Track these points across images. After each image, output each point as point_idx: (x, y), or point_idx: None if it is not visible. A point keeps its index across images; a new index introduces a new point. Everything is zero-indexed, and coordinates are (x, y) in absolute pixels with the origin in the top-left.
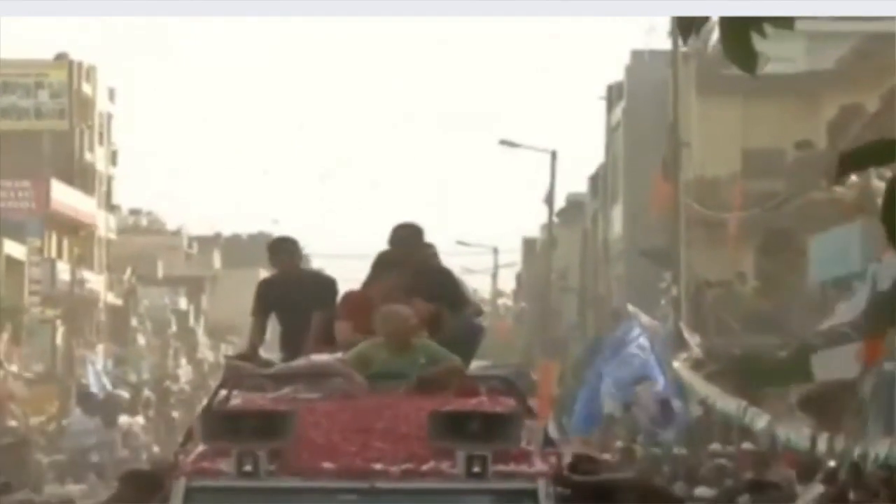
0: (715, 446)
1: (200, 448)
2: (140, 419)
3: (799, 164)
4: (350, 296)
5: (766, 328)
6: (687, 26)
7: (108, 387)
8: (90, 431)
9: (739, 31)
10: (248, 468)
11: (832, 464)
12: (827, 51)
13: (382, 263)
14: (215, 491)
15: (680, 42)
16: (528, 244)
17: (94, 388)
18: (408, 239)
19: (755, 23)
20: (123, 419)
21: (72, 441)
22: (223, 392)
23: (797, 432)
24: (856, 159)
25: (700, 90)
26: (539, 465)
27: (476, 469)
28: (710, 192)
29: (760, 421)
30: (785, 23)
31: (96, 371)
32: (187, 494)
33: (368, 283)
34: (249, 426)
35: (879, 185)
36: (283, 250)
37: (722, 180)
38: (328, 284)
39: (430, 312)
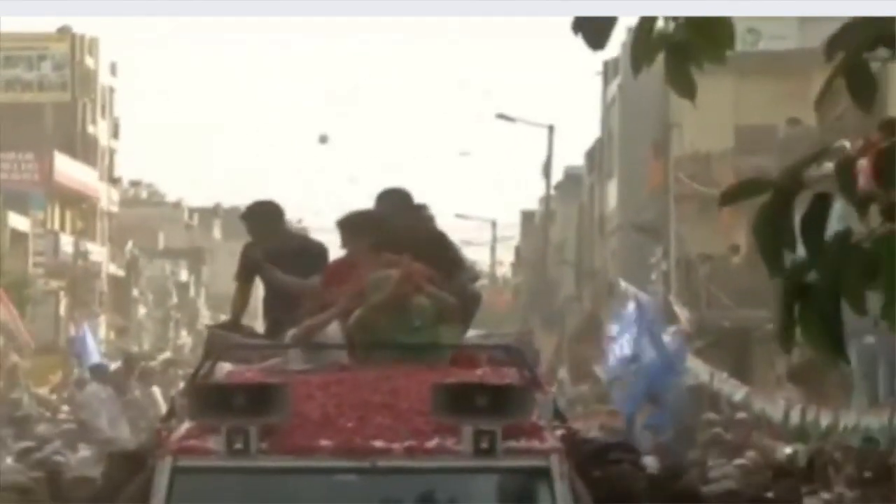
0: (710, 415)
1: (186, 425)
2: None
3: (789, 140)
4: (333, 264)
5: (756, 302)
6: (637, 65)
7: (99, 358)
8: (103, 400)
9: (680, 64)
10: (238, 446)
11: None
12: (821, 28)
13: (354, 226)
14: (204, 471)
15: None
16: (527, 217)
17: (93, 359)
18: (387, 201)
19: (694, 57)
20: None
21: (85, 410)
22: (207, 364)
23: (772, 404)
24: (731, 196)
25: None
26: (551, 441)
27: (484, 446)
28: (703, 168)
29: (739, 393)
30: (718, 58)
31: (92, 340)
32: (173, 475)
33: (345, 249)
34: (239, 401)
35: (862, 164)
36: (260, 216)
37: (714, 156)
38: (318, 250)
39: (426, 275)
